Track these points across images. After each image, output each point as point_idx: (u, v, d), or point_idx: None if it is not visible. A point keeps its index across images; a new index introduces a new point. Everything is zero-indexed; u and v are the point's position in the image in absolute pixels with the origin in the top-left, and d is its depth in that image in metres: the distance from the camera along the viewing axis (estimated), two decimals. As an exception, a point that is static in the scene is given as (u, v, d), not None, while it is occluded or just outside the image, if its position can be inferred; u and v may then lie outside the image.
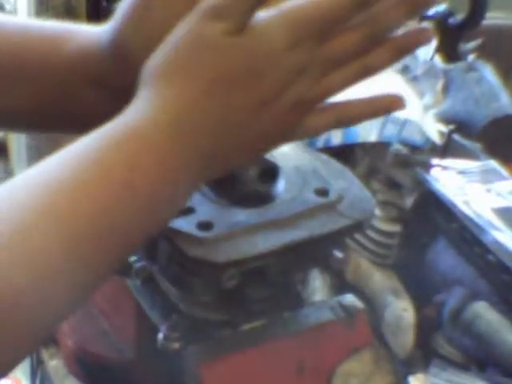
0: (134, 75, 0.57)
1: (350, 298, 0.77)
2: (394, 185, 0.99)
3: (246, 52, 0.54)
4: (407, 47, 0.58)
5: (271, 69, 0.54)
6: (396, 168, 0.98)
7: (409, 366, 0.91)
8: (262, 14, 0.54)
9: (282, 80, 0.55)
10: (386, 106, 0.60)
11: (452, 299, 0.91)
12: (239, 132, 0.55)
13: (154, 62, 0.55)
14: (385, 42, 0.58)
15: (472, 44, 1.27)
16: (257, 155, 0.62)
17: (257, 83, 0.54)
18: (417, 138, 1.01)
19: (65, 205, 0.50)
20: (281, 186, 0.71)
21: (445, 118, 1.09)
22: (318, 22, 0.54)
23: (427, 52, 1.19)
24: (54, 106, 0.65)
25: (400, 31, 0.58)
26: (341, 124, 0.61)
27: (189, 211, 0.67)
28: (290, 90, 0.55)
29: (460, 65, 1.18)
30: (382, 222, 0.98)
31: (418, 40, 0.58)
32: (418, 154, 0.99)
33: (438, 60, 1.20)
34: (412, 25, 1.24)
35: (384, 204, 0.98)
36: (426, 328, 0.93)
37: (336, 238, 0.72)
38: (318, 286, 0.95)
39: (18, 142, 1.10)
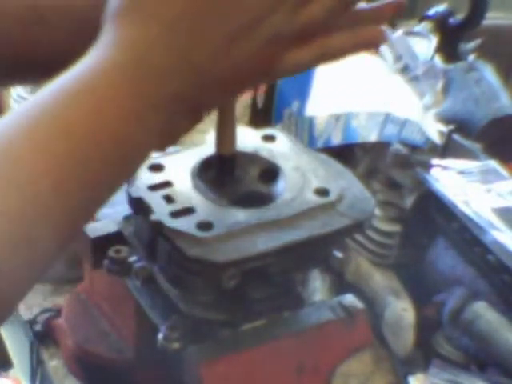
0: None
1: (349, 298, 0.77)
2: (394, 185, 0.99)
3: None
4: None
5: (242, 2, 0.52)
6: (396, 168, 0.98)
7: (409, 365, 0.91)
8: None
9: (254, 14, 0.53)
10: (369, 38, 0.58)
11: (452, 299, 0.91)
12: (208, 69, 0.53)
13: (116, 1, 0.53)
14: None
15: (472, 44, 1.27)
16: (233, 93, 0.59)
17: (225, 17, 0.52)
18: (417, 138, 1.01)
19: (24, 169, 0.48)
20: (281, 185, 0.71)
21: (445, 118, 1.09)
22: None
23: (427, 52, 1.19)
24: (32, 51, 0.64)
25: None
26: (323, 59, 0.58)
27: (189, 211, 0.67)
28: (264, 24, 0.53)
29: (460, 65, 1.18)
30: (382, 222, 0.98)
31: None
32: (418, 154, 0.99)
33: (438, 60, 1.20)
34: (411, 24, 1.24)
35: (384, 204, 0.98)
36: (426, 328, 0.93)
37: (336, 238, 0.72)
38: (318, 286, 0.95)
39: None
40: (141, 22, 0.52)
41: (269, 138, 0.76)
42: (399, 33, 1.23)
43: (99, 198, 0.53)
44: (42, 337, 0.96)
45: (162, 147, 0.57)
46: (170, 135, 0.56)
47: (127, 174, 0.56)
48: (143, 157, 0.55)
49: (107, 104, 0.51)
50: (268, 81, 0.59)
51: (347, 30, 0.57)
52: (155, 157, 0.72)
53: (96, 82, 0.51)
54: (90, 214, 0.55)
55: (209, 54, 0.53)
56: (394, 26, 1.35)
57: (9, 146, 0.49)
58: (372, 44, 0.60)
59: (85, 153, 0.50)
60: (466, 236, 0.91)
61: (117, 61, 0.52)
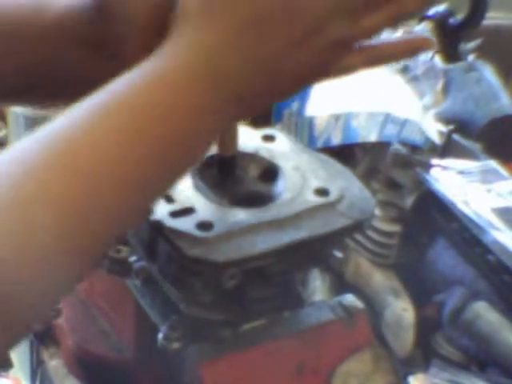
0: (119, 33, 0.58)
1: (349, 298, 0.77)
2: (394, 185, 0.99)
3: None
4: None
5: (308, 8, 0.54)
6: (396, 168, 0.98)
7: (409, 365, 0.91)
8: None
9: (319, 20, 0.54)
10: (416, 46, 0.61)
11: (452, 299, 0.91)
12: (272, 72, 0.55)
13: (185, 3, 0.55)
14: None
15: (472, 44, 1.27)
16: (291, 93, 0.60)
17: (291, 23, 0.54)
18: (417, 138, 1.01)
19: (84, 161, 0.50)
20: (281, 185, 0.71)
21: (445, 118, 1.09)
22: None
23: (427, 52, 1.19)
24: (40, 69, 0.64)
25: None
26: (374, 63, 0.60)
27: (189, 211, 0.67)
28: (327, 30, 0.55)
29: (460, 65, 1.18)
30: (382, 222, 0.98)
31: None
32: (418, 154, 0.99)
33: (438, 60, 1.20)
34: (411, 24, 1.24)
35: (384, 204, 0.98)
36: (426, 328, 0.93)
37: (336, 238, 0.72)
38: (317, 286, 0.95)
39: (18, 141, 1.10)
40: (209, 25, 0.54)
41: (269, 138, 0.76)
42: (399, 33, 1.23)
43: (155, 193, 0.55)
44: (42, 337, 0.96)
45: (213, 140, 0.58)
46: (225, 127, 0.60)
47: (181, 171, 0.57)
48: (198, 153, 0.57)
49: (176, 101, 0.53)
50: (321, 81, 0.60)
51: (396, 39, 0.61)
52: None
53: (165, 79, 0.53)
54: (147, 209, 0.58)
55: (274, 56, 0.54)
56: (394, 26, 1.34)
57: (72, 141, 0.50)
58: (419, 51, 0.63)
59: (149, 149, 0.52)
60: (466, 236, 0.91)
61: (186, 61, 0.53)
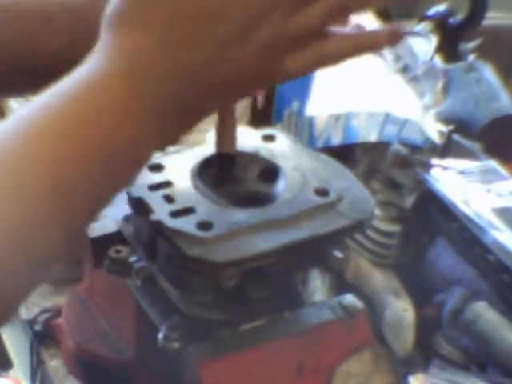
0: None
1: (349, 298, 0.77)
2: (394, 185, 0.99)
3: None
4: None
5: (236, 5, 0.52)
6: (396, 168, 0.98)
7: (409, 365, 0.91)
8: None
9: (250, 18, 0.52)
10: (371, 41, 0.58)
11: (452, 299, 0.91)
12: (203, 72, 0.53)
13: (111, 9, 0.54)
14: None
15: (472, 44, 1.27)
16: (233, 97, 0.59)
17: (221, 21, 0.52)
18: (417, 138, 1.01)
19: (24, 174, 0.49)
20: (281, 185, 0.71)
21: (445, 118, 1.09)
22: None
23: (427, 52, 1.19)
24: (24, 54, 0.65)
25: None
26: (322, 63, 0.58)
27: (189, 211, 0.67)
28: (261, 27, 0.53)
29: (460, 65, 1.18)
30: (381, 222, 0.98)
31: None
32: (418, 154, 0.99)
33: (438, 60, 1.20)
34: (411, 24, 1.24)
35: (384, 204, 0.98)
36: (426, 328, 0.93)
37: (336, 238, 0.72)
38: (317, 285, 0.95)
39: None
40: (134, 30, 0.53)
41: (269, 138, 0.76)
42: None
43: (99, 200, 0.54)
44: (42, 337, 0.96)
45: (161, 148, 0.58)
46: (169, 136, 0.56)
47: (128, 176, 0.56)
48: (143, 159, 0.56)
49: (105, 109, 0.52)
50: (267, 86, 0.59)
51: (346, 35, 0.57)
52: (155, 157, 0.72)
53: (93, 88, 0.52)
54: (89, 217, 0.55)
55: (202, 57, 0.53)
56: (394, 25, 1.34)
57: (8, 148, 0.49)
58: (374, 48, 0.59)
59: (84, 156, 0.51)
60: (466, 236, 0.91)
61: (112, 68, 0.52)
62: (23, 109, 0.52)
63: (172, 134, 0.56)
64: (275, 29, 0.53)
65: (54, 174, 0.50)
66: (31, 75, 0.68)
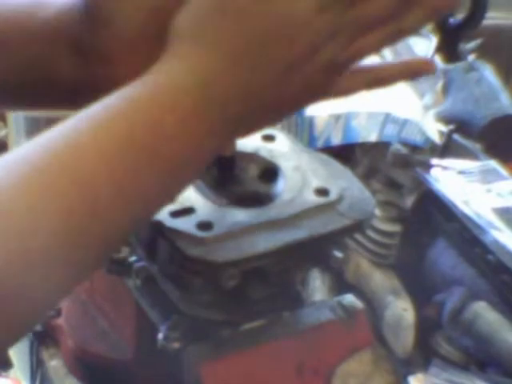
0: (109, 37, 0.58)
1: (349, 298, 0.77)
2: (394, 185, 0.99)
3: (275, 17, 0.54)
4: (441, 7, 0.58)
5: (301, 33, 0.54)
6: (396, 168, 0.98)
7: (409, 365, 0.91)
8: None
9: (312, 44, 0.55)
10: (416, 68, 0.61)
11: (452, 299, 0.91)
12: (267, 96, 0.55)
13: (182, 23, 0.55)
14: (416, 2, 0.57)
15: (472, 44, 1.27)
16: (283, 117, 0.61)
17: (286, 47, 0.54)
18: (417, 138, 1.01)
19: (86, 169, 0.50)
20: (281, 185, 0.71)
21: (445, 118, 1.09)
22: None
23: (427, 52, 1.19)
24: (29, 70, 0.64)
25: None
26: (373, 85, 0.61)
27: (189, 211, 0.67)
28: (321, 54, 0.55)
29: (460, 65, 1.18)
30: (382, 222, 0.98)
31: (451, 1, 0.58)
32: (418, 154, 0.99)
33: (438, 60, 1.20)
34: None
35: (384, 204, 0.98)
36: (426, 328, 0.93)
37: (336, 238, 0.72)
38: (317, 285, 0.95)
39: (18, 142, 1.10)
40: (207, 47, 0.54)
41: (269, 138, 0.76)
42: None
43: (151, 209, 0.56)
44: (42, 337, 0.96)
45: (207, 162, 0.59)
46: (219, 149, 0.59)
47: (175, 190, 0.57)
48: (192, 175, 0.57)
49: (169, 121, 0.53)
50: (317, 103, 0.61)
51: (396, 62, 0.61)
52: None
53: (161, 98, 0.53)
54: (142, 223, 0.58)
55: (270, 82, 0.55)
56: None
57: (55, 156, 0.50)
58: (419, 75, 0.62)
59: (140, 165, 0.52)
60: (466, 236, 0.91)
61: (182, 83, 0.53)
62: (76, 117, 0.52)
63: (219, 148, 0.58)
64: (336, 53, 0.56)
65: (117, 183, 0.51)
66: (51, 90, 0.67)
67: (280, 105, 0.57)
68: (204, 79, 0.53)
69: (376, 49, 0.58)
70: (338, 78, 0.57)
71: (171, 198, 0.57)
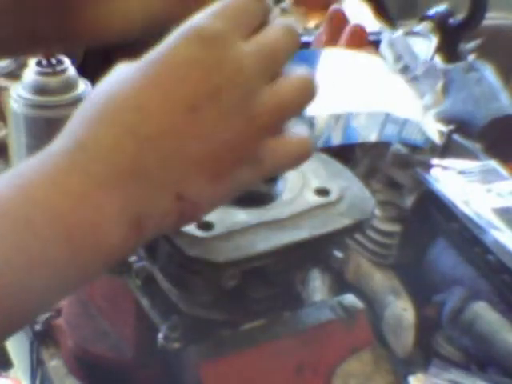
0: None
1: (349, 298, 0.77)
2: (393, 185, 0.99)
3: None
4: None
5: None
6: (396, 168, 0.98)
7: (409, 365, 0.91)
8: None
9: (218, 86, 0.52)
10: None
11: (452, 299, 0.91)
12: (163, 143, 0.51)
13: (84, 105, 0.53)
14: None
15: (472, 44, 1.27)
16: (218, 181, 0.54)
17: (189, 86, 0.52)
18: (417, 138, 1.01)
19: None
20: (281, 185, 0.71)
21: (445, 118, 1.09)
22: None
23: (427, 52, 1.19)
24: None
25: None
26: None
27: (189, 211, 0.67)
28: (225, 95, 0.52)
29: (460, 65, 1.18)
30: (382, 222, 0.98)
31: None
32: (418, 154, 0.99)
33: (438, 60, 1.20)
34: (411, 24, 1.24)
35: (384, 204, 0.98)
36: (426, 328, 0.93)
37: (336, 238, 0.72)
38: (317, 286, 0.95)
39: (18, 142, 1.10)
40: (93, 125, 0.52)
41: (269, 138, 0.76)
42: (399, 33, 1.23)
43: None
44: (42, 337, 0.96)
45: (144, 239, 0.54)
46: (141, 221, 0.52)
47: (94, 270, 0.53)
48: (116, 249, 0.52)
49: (57, 188, 0.50)
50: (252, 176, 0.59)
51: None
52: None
53: (45, 168, 0.51)
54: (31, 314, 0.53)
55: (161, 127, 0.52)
56: (394, 26, 1.35)
57: None
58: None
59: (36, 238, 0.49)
60: (466, 236, 0.91)
61: (64, 146, 0.51)
62: None
63: (151, 219, 0.53)
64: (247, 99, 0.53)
65: None
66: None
67: (193, 159, 0.52)
68: (83, 139, 0.51)
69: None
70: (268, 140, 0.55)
71: (85, 280, 0.53)
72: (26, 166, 0.51)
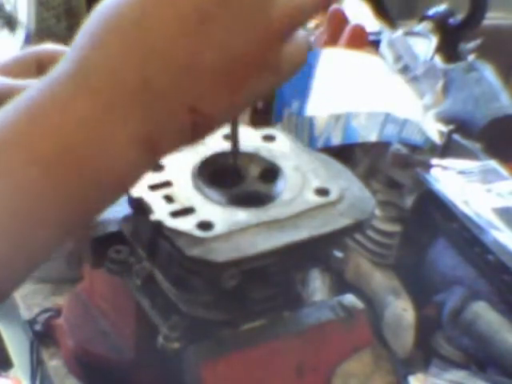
0: None
1: (350, 298, 0.77)
2: (394, 185, 0.99)
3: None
4: None
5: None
6: (396, 168, 0.98)
7: (409, 365, 0.91)
8: None
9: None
10: None
11: (452, 299, 0.91)
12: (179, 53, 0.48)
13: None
14: None
15: (472, 44, 1.27)
16: (231, 99, 0.52)
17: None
18: (417, 138, 1.01)
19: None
20: (281, 185, 0.71)
21: (445, 118, 1.09)
22: None
23: (427, 52, 1.19)
24: None
25: None
26: None
27: (189, 211, 0.67)
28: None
29: (460, 65, 1.18)
30: (382, 222, 0.98)
31: None
32: (418, 154, 0.99)
33: (438, 60, 1.20)
34: (411, 24, 1.24)
35: (384, 204, 0.98)
36: (426, 328, 0.93)
37: (336, 238, 0.72)
38: (317, 286, 0.95)
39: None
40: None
41: (269, 138, 0.76)
42: (399, 33, 1.23)
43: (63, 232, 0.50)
44: (42, 337, 0.96)
45: (139, 156, 0.51)
46: (154, 141, 0.50)
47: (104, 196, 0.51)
48: (131, 172, 0.51)
49: (66, 116, 0.48)
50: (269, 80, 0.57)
51: None
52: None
53: (53, 93, 0.49)
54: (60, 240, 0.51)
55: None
56: (394, 26, 1.35)
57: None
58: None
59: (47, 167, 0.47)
60: (466, 236, 0.91)
61: (70, 69, 0.49)
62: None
63: (150, 136, 0.50)
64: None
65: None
66: None
67: (202, 78, 0.49)
68: (88, 63, 0.48)
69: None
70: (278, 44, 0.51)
71: (101, 203, 0.51)
72: (36, 91, 0.49)
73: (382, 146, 1.01)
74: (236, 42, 0.50)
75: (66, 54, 0.50)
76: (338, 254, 0.74)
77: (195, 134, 0.52)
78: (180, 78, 0.49)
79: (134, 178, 0.52)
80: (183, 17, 0.48)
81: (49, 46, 0.65)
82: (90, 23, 0.50)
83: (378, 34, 1.31)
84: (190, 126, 0.51)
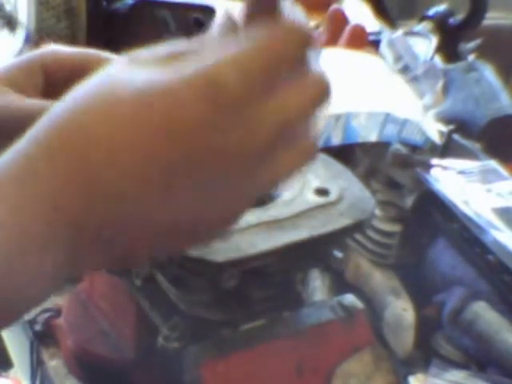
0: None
1: (349, 298, 0.77)
2: (393, 185, 0.99)
3: None
4: None
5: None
6: (396, 168, 0.98)
7: (409, 365, 0.91)
8: None
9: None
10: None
11: (452, 299, 0.91)
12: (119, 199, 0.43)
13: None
14: None
15: (472, 44, 1.28)
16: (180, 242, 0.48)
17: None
18: (417, 138, 1.01)
19: None
20: (281, 185, 0.71)
21: (445, 118, 1.09)
22: None
23: (427, 52, 1.19)
24: None
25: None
26: None
27: (189, 211, 0.67)
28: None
29: (460, 65, 1.18)
30: (382, 222, 0.98)
31: None
32: (418, 154, 0.99)
33: (438, 60, 1.20)
34: (411, 24, 1.24)
35: (384, 204, 0.98)
36: (426, 328, 0.93)
37: (336, 238, 0.72)
38: (317, 286, 0.94)
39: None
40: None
41: (269, 138, 0.76)
42: (399, 33, 1.23)
43: None
44: (42, 337, 0.96)
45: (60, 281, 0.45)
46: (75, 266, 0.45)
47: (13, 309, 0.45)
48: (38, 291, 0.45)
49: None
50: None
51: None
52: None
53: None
54: None
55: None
56: (394, 26, 1.35)
57: None
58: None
59: None
60: (466, 236, 0.91)
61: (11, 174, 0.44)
62: None
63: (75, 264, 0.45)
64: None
65: None
66: None
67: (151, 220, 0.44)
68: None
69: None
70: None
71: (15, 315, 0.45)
72: None
73: (381, 146, 1.01)
74: (195, 211, 0.46)
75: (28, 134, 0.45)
76: (338, 254, 0.74)
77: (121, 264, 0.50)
78: (119, 230, 0.44)
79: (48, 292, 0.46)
80: (151, 169, 0.43)
81: (51, 48, 0.65)
82: (56, 117, 0.44)
83: (378, 34, 1.31)
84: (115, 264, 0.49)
